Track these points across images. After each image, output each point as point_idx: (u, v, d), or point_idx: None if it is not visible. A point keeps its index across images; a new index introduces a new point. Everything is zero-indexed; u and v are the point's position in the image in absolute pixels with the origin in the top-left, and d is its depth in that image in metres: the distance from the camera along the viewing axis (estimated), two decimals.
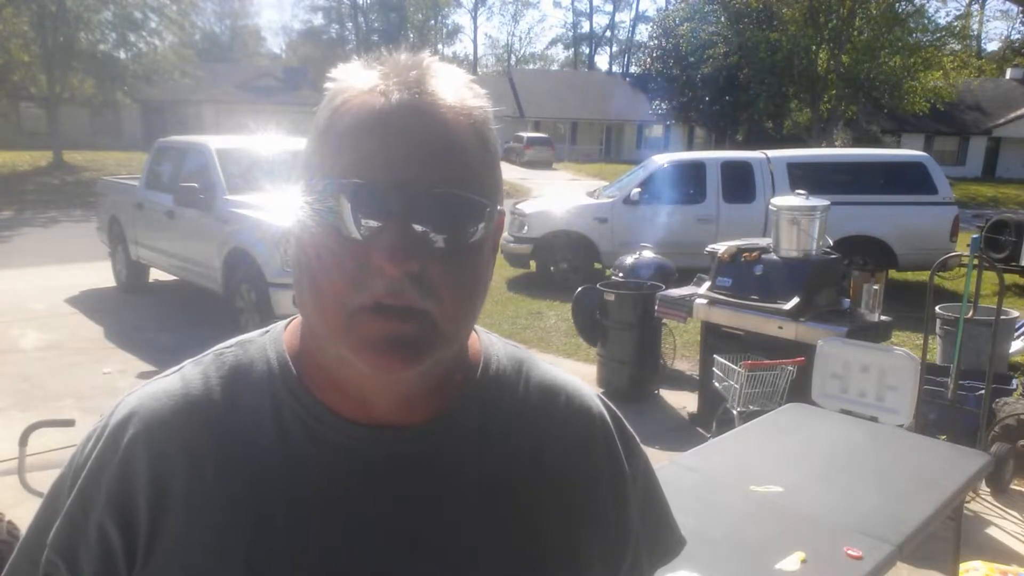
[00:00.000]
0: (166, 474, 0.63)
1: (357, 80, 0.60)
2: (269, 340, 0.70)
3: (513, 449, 0.69)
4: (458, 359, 0.69)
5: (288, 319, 0.72)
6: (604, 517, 0.72)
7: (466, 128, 0.59)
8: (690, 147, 35.04)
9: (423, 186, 0.56)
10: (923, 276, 7.39)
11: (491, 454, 0.67)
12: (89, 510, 0.64)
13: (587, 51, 66.42)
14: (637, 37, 60.65)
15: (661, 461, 2.45)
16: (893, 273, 8.42)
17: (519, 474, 0.68)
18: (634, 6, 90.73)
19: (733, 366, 4.08)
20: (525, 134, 34.12)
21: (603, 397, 0.79)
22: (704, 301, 4.68)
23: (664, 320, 5.29)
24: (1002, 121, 32.42)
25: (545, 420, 0.72)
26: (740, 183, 8.83)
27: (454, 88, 0.60)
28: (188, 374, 0.68)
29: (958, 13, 36.08)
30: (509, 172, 28.14)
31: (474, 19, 70.68)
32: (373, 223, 0.56)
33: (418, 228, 0.56)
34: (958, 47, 26.70)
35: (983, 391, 3.95)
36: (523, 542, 0.66)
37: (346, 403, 0.64)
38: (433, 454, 0.65)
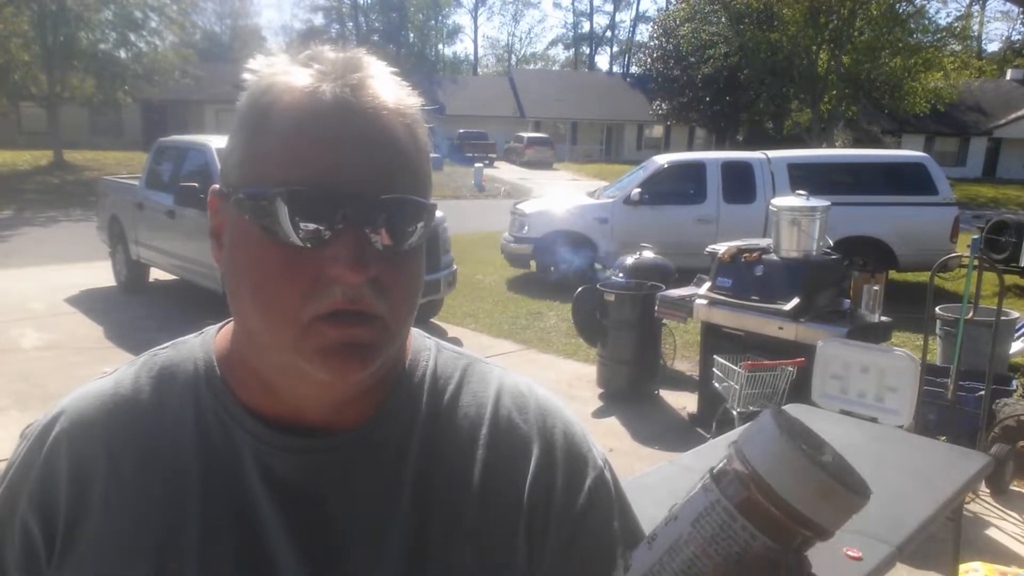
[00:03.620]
0: (86, 472, 0.63)
1: (289, 77, 0.58)
2: (200, 342, 0.70)
3: (430, 462, 0.65)
4: (397, 360, 0.68)
5: (223, 322, 0.71)
6: (514, 551, 0.65)
7: (401, 129, 0.59)
8: (690, 147, 35.02)
9: (374, 191, 0.56)
10: (923, 277, 7.36)
11: (408, 466, 0.65)
12: (15, 507, 0.64)
13: (587, 51, 66.52)
14: (637, 37, 60.77)
15: (661, 461, 2.45)
16: (893, 274, 8.41)
17: (431, 491, 0.64)
18: (634, 6, 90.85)
19: (733, 366, 4.08)
20: (525, 134, 34.16)
21: (551, 414, 0.71)
22: (704, 301, 4.68)
23: (664, 320, 5.29)
24: (1002, 122, 32.40)
25: (472, 434, 0.67)
26: (740, 183, 8.83)
27: (391, 88, 0.60)
28: (121, 375, 0.68)
29: (958, 14, 36.06)
30: (509, 172, 28.17)
31: (474, 19, 71.00)
32: (324, 231, 0.55)
33: (371, 234, 0.56)
34: (958, 48, 26.73)
35: (983, 392, 3.95)
36: (437, 562, 0.63)
37: (276, 408, 0.63)
38: (351, 464, 0.63)
